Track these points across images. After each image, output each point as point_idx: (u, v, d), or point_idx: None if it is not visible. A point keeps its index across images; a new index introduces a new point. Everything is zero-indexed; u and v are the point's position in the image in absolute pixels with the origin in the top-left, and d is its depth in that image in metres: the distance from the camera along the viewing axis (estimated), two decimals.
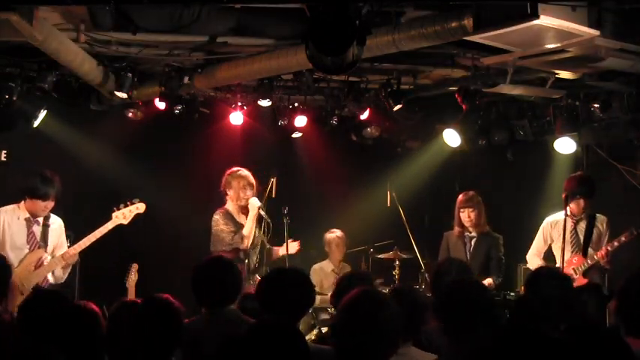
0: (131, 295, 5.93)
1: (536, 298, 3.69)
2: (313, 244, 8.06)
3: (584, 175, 6.56)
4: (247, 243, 6.19)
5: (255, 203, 6.27)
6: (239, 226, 6.26)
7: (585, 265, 6.21)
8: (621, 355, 2.70)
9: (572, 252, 6.35)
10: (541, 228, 6.64)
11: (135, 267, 6.10)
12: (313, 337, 5.90)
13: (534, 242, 6.65)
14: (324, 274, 7.54)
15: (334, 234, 7.78)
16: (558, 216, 6.48)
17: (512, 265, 7.32)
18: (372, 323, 2.85)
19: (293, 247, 6.52)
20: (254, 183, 6.37)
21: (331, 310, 6.08)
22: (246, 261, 6.25)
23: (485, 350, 2.35)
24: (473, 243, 6.72)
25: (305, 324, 6.53)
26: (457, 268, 4.42)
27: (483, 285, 3.42)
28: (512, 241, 7.24)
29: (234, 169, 6.40)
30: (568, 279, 3.96)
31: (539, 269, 4.30)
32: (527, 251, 6.86)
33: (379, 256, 7.72)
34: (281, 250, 6.52)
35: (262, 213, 6.31)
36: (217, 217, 6.28)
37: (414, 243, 7.42)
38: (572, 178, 6.43)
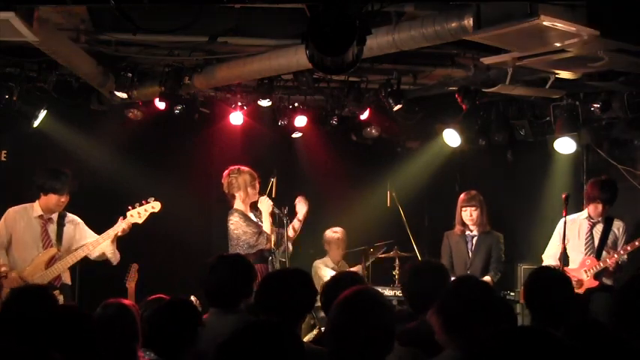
0: (131, 295, 5.92)
1: (536, 298, 3.69)
2: (312, 243, 8.06)
3: (607, 180, 6.46)
4: (271, 242, 6.06)
5: (268, 201, 6.15)
6: (257, 226, 6.15)
7: (597, 267, 6.19)
8: (622, 355, 2.70)
9: (585, 254, 6.33)
10: (557, 227, 6.60)
11: (135, 267, 6.09)
12: (313, 338, 5.87)
13: (550, 242, 6.60)
14: (325, 271, 7.53)
15: (336, 234, 7.71)
16: (575, 216, 6.49)
17: (512, 265, 7.33)
18: (368, 322, 2.84)
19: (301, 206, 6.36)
20: (255, 174, 6.29)
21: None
22: (270, 258, 6.13)
23: (487, 350, 2.35)
24: (474, 242, 6.72)
25: (305, 324, 6.52)
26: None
27: (488, 284, 3.41)
28: (512, 240, 7.24)
29: (233, 167, 6.29)
30: (568, 279, 3.94)
31: (539, 269, 4.29)
32: (527, 251, 6.87)
33: (379, 256, 7.73)
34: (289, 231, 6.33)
35: (276, 210, 6.23)
36: (236, 218, 6.11)
37: (414, 243, 7.42)
38: (596, 182, 6.39)
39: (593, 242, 6.33)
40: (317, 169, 8.53)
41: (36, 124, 6.87)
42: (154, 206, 5.94)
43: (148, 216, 5.92)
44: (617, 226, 6.33)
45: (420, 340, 3.30)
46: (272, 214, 6.17)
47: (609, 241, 6.28)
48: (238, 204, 6.23)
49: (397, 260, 7.32)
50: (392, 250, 7.48)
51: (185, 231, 7.60)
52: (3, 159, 7.17)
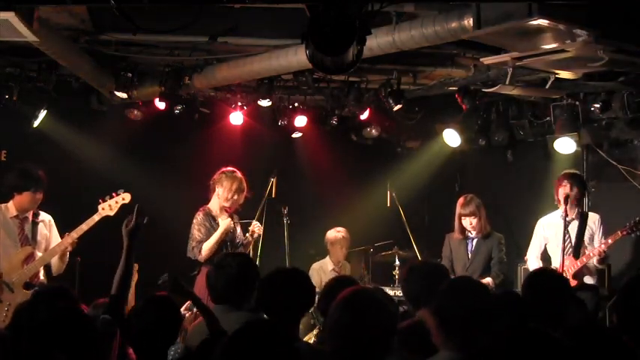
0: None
1: (535, 299, 3.69)
2: (312, 243, 8.06)
3: (568, 173, 6.48)
4: (204, 257, 5.94)
5: (229, 224, 6.01)
6: (213, 232, 6.03)
7: (575, 267, 6.14)
8: (621, 355, 2.70)
9: (565, 254, 6.28)
10: (535, 229, 6.61)
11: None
12: (313, 338, 5.87)
13: (531, 244, 6.62)
14: (324, 272, 7.49)
15: (340, 234, 7.60)
16: (551, 216, 6.49)
17: (512, 265, 7.32)
18: (368, 322, 2.84)
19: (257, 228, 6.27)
20: (245, 188, 6.12)
21: None
22: None
23: (487, 351, 2.35)
24: (475, 243, 6.70)
25: (305, 324, 6.52)
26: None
27: (483, 284, 3.41)
28: (513, 241, 7.24)
29: (230, 168, 6.17)
30: (565, 280, 3.95)
31: (537, 270, 4.30)
32: (527, 250, 6.85)
33: (379, 256, 7.73)
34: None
35: (238, 236, 6.14)
36: (197, 218, 6.06)
37: (414, 243, 7.42)
38: (560, 176, 6.39)
39: (571, 241, 6.28)
40: (317, 169, 8.53)
41: (36, 124, 6.88)
42: (124, 197, 5.92)
43: (120, 208, 5.88)
44: (593, 220, 6.26)
45: (414, 339, 3.30)
46: (226, 234, 6.01)
47: (587, 237, 6.22)
48: (214, 202, 6.11)
49: (397, 260, 7.32)
50: (392, 250, 7.48)
51: (185, 231, 7.58)
52: (3, 159, 7.16)
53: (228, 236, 6.09)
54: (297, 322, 3.67)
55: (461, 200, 6.69)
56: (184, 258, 6.34)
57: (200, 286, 6.13)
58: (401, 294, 6.57)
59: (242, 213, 6.40)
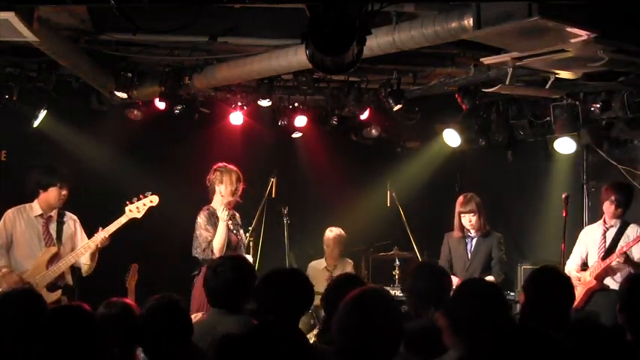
0: (131, 294, 5.91)
1: (536, 297, 3.68)
2: (312, 243, 8.06)
3: (624, 183, 6.48)
4: (218, 255, 5.81)
5: (225, 214, 5.95)
6: (212, 235, 5.96)
7: (599, 267, 6.14)
8: (622, 355, 2.70)
9: (599, 257, 6.28)
10: (579, 237, 6.56)
11: (135, 267, 6.07)
12: (314, 338, 5.87)
13: (572, 252, 6.54)
14: (316, 271, 7.49)
15: (332, 234, 7.61)
16: (594, 225, 6.49)
17: (512, 265, 7.33)
18: (378, 321, 2.84)
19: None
20: (242, 178, 6.13)
21: None
22: None
23: (488, 350, 2.35)
24: (474, 243, 6.69)
25: (305, 324, 6.52)
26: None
27: (496, 286, 3.43)
28: (513, 241, 7.24)
29: (222, 164, 6.14)
30: (567, 279, 3.93)
31: (539, 269, 4.28)
32: (528, 251, 6.87)
33: (379, 256, 7.73)
34: None
35: (230, 226, 6.04)
36: (200, 220, 5.99)
37: (414, 243, 7.42)
38: (611, 184, 6.37)
39: (605, 246, 6.27)
40: (317, 169, 8.53)
41: (36, 124, 6.88)
42: (152, 200, 5.84)
43: (147, 210, 5.82)
44: (632, 230, 6.21)
45: (421, 340, 3.30)
46: (229, 225, 5.98)
47: (621, 244, 6.16)
48: (216, 200, 6.07)
49: (397, 260, 7.31)
50: (392, 250, 7.48)
51: (185, 231, 7.58)
52: (3, 159, 7.16)
53: (235, 234, 6.06)
54: (296, 322, 3.67)
55: (461, 199, 6.69)
56: (184, 258, 6.35)
57: (200, 287, 6.12)
58: (401, 294, 6.61)
59: (242, 213, 6.41)
